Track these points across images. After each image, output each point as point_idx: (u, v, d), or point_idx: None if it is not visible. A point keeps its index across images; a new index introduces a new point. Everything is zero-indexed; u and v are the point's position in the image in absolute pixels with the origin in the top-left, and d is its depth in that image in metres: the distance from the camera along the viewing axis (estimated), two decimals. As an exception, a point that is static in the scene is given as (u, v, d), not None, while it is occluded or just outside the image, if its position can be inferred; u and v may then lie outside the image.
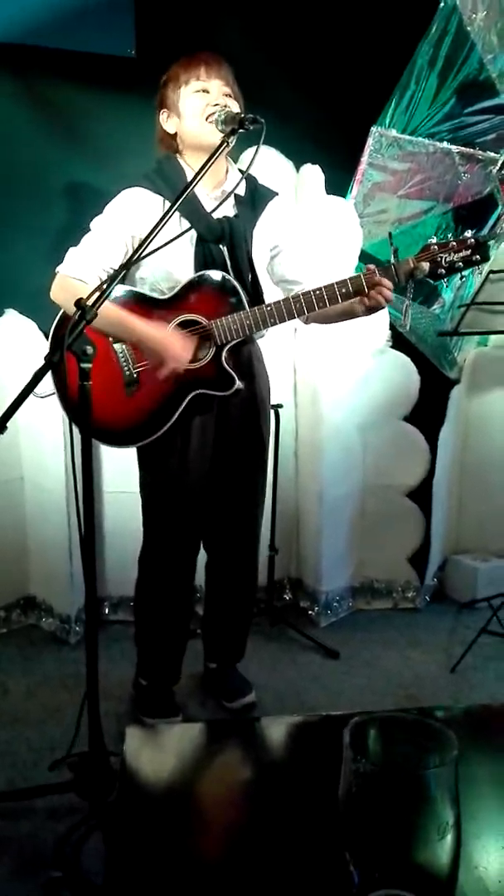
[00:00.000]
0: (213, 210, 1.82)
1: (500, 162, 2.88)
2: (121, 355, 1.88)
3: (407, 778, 0.52)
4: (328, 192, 2.77)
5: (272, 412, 2.55)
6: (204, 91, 1.85)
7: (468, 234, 1.79)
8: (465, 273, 1.82)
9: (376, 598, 3.01)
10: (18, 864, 1.60)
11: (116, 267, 1.89)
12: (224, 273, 1.87)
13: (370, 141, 2.95)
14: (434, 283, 1.95)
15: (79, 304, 1.45)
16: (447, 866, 0.53)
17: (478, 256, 1.77)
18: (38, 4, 2.67)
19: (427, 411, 2.93)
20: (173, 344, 1.81)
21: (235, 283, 1.87)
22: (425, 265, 1.78)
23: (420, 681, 2.44)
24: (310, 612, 2.88)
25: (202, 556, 2.20)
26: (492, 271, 2.57)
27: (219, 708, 2.25)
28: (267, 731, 0.94)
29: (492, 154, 2.87)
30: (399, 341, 3.00)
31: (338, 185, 2.88)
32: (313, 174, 2.73)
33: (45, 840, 1.65)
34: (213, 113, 1.76)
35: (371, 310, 1.83)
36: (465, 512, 3.22)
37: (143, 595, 2.15)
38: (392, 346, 2.94)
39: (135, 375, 1.88)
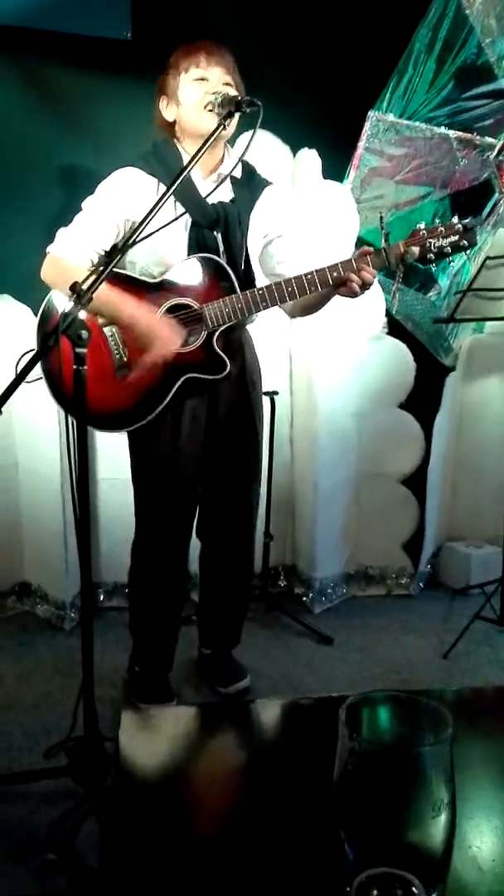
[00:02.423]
0: (209, 194, 1.81)
1: (497, 147, 2.86)
2: (111, 339, 1.87)
3: (402, 756, 0.52)
4: (325, 177, 2.75)
5: (269, 399, 2.56)
6: (203, 79, 1.83)
7: (455, 219, 1.81)
8: (453, 258, 1.83)
9: (370, 584, 3.02)
10: (13, 847, 1.61)
11: (107, 247, 1.87)
12: (216, 257, 1.86)
13: (367, 125, 2.93)
14: (424, 267, 1.96)
15: (74, 288, 1.44)
16: (441, 844, 0.53)
17: (465, 241, 1.79)
18: (33, -15, 2.64)
19: (422, 398, 2.93)
20: (163, 329, 1.80)
21: (227, 268, 1.86)
22: (415, 249, 1.79)
23: (413, 666, 2.46)
24: (304, 598, 2.89)
25: (196, 543, 2.20)
26: (488, 258, 2.57)
27: (213, 693, 2.26)
28: (261, 714, 0.94)
29: (489, 139, 2.86)
30: (395, 328, 2.99)
31: (335, 169, 2.86)
32: (310, 158, 2.72)
33: (40, 824, 1.66)
34: (211, 101, 1.75)
35: (353, 293, 1.82)
36: (460, 499, 3.23)
37: (136, 582, 2.14)
38: (388, 333, 2.93)
39: (125, 360, 1.87)
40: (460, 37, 2.78)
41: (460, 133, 2.86)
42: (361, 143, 2.95)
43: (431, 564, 3.11)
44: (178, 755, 0.84)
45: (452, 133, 2.86)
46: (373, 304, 2.84)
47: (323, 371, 2.72)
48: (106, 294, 1.75)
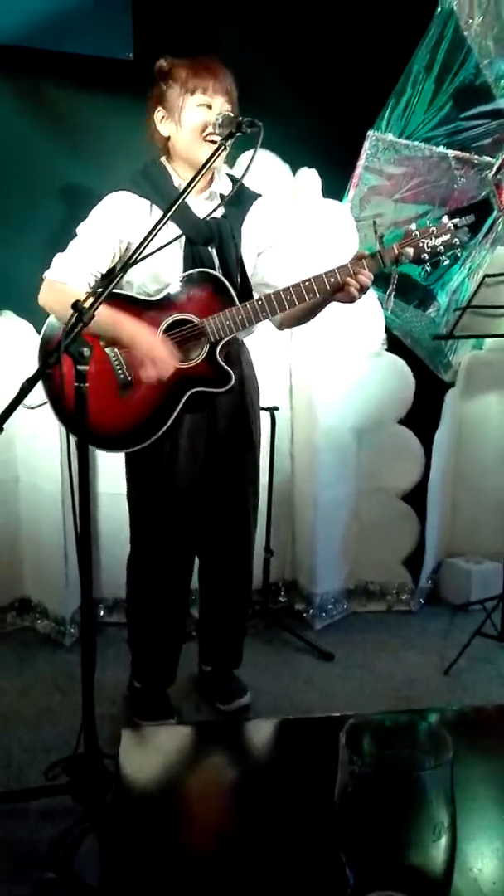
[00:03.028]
0: (208, 215, 1.83)
1: (495, 166, 2.89)
2: (113, 358, 1.87)
3: (402, 779, 0.52)
4: (325, 196, 2.78)
5: (269, 415, 2.57)
6: (207, 107, 1.84)
7: (445, 219, 1.86)
8: (445, 257, 1.87)
9: (371, 600, 3.02)
10: (12, 865, 1.60)
11: (104, 270, 1.89)
12: (213, 271, 1.88)
13: (367, 145, 2.96)
14: (419, 267, 2.02)
15: (76, 306, 1.45)
16: (442, 867, 0.53)
17: (457, 240, 1.84)
18: (36, 7, 2.67)
19: (422, 414, 2.94)
20: (161, 349, 1.81)
21: (224, 281, 1.87)
22: (409, 250, 1.83)
23: (414, 683, 2.45)
24: (304, 614, 2.88)
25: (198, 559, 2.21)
26: (487, 275, 2.58)
27: (213, 710, 2.25)
28: (262, 733, 0.94)
29: (487, 158, 2.88)
30: (394, 344, 3.01)
31: (334, 188, 2.89)
32: (310, 178, 2.74)
33: (40, 842, 1.65)
34: (212, 134, 1.77)
35: (351, 298, 1.83)
36: (460, 514, 3.23)
37: (134, 599, 2.14)
38: (387, 350, 2.94)
39: (129, 378, 1.88)
40: (458, 58, 2.81)
41: (458, 152, 2.89)
42: (361, 163, 2.98)
43: (432, 580, 3.11)
44: (178, 774, 0.84)
45: (451, 152, 2.89)
46: (372, 320, 2.86)
47: (323, 387, 2.73)
48: (105, 316, 1.76)
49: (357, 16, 2.99)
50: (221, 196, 1.91)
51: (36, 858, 1.60)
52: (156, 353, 1.80)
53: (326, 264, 1.84)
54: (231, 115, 1.78)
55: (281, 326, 2.05)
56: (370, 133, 2.95)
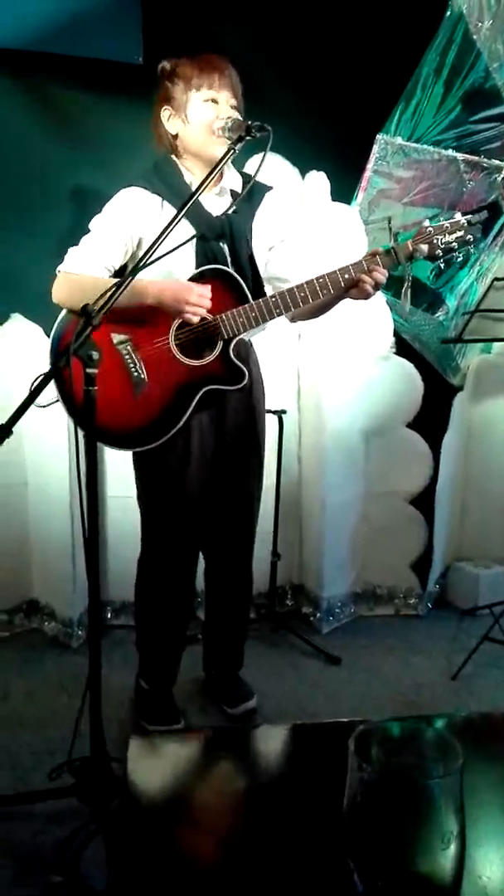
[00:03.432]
0: (224, 213, 1.83)
1: (504, 170, 2.88)
2: (127, 357, 1.87)
3: (412, 787, 0.52)
4: (333, 199, 2.78)
5: (276, 418, 2.57)
6: (214, 101, 1.85)
7: (458, 215, 1.86)
8: (459, 254, 1.88)
9: (378, 604, 3.01)
10: (18, 868, 1.60)
11: (117, 264, 1.90)
12: (226, 268, 1.88)
13: (376, 148, 2.96)
14: (433, 263, 2.04)
15: (84, 310, 1.46)
16: (450, 876, 0.53)
17: (470, 236, 1.85)
18: (46, 11, 2.68)
19: (430, 418, 2.93)
20: (192, 287, 1.80)
21: (237, 277, 1.87)
22: (423, 247, 1.83)
23: (421, 688, 2.44)
24: (311, 617, 2.88)
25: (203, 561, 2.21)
26: (496, 279, 2.58)
27: (219, 714, 2.25)
28: (269, 739, 0.94)
29: (497, 162, 2.88)
30: (403, 348, 3.00)
31: (343, 191, 2.89)
32: (319, 181, 2.75)
33: (46, 844, 1.65)
34: (221, 126, 1.78)
35: (366, 294, 1.84)
36: (468, 519, 3.22)
37: (143, 598, 2.15)
38: (396, 353, 2.94)
39: (143, 376, 1.88)
40: (468, 61, 2.81)
41: (467, 156, 2.88)
42: (370, 166, 2.98)
43: (439, 584, 3.10)
44: (185, 780, 0.83)
45: (460, 156, 2.89)
46: (380, 323, 2.86)
47: (331, 390, 2.73)
48: (125, 293, 1.75)
49: (367, 19, 2.99)
50: (233, 193, 1.92)
51: (42, 861, 1.60)
52: (188, 294, 1.79)
53: (335, 267, 1.84)
54: (240, 119, 1.79)
55: (293, 320, 2.06)
56: (379, 136, 2.95)
